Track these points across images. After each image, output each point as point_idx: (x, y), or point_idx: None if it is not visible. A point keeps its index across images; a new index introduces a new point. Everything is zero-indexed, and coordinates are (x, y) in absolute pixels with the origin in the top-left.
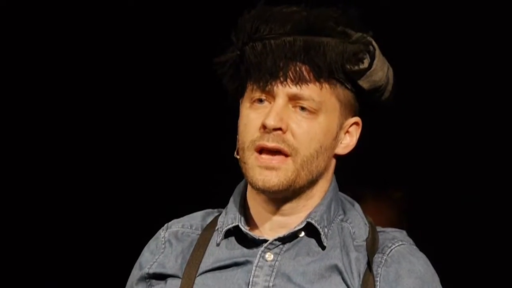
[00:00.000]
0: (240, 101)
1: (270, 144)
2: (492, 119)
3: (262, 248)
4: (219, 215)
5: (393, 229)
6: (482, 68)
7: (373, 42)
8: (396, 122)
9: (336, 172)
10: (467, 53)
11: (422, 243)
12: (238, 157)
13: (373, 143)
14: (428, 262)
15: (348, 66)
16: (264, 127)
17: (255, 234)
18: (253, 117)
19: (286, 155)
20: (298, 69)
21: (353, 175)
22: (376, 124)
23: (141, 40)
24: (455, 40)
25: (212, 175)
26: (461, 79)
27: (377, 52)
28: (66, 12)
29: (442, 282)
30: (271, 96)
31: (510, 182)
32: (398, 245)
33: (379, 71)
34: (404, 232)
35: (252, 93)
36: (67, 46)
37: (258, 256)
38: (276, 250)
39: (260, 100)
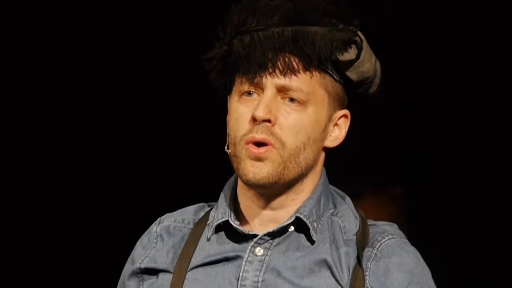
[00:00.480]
0: (228, 98)
1: (259, 136)
2: (491, 117)
3: (252, 243)
4: (211, 209)
5: (384, 223)
6: (482, 67)
7: (359, 33)
8: (396, 119)
9: (335, 169)
10: (467, 52)
11: (422, 241)
12: (228, 151)
13: (372, 140)
14: (419, 256)
15: (337, 55)
16: (254, 119)
17: (245, 229)
18: (242, 111)
19: (272, 147)
20: (287, 59)
21: (353, 172)
22: (376, 121)
23: (138, 39)
24: (456, 40)
25: (205, 168)
26: (461, 78)
27: (364, 43)
28: (66, 12)
29: (442, 278)
30: (260, 88)
31: (509, 179)
32: (388, 239)
33: (366, 62)
34: (395, 226)
35: (240, 86)
36: (67, 46)
37: (248, 251)
38: (266, 245)
39: (249, 93)
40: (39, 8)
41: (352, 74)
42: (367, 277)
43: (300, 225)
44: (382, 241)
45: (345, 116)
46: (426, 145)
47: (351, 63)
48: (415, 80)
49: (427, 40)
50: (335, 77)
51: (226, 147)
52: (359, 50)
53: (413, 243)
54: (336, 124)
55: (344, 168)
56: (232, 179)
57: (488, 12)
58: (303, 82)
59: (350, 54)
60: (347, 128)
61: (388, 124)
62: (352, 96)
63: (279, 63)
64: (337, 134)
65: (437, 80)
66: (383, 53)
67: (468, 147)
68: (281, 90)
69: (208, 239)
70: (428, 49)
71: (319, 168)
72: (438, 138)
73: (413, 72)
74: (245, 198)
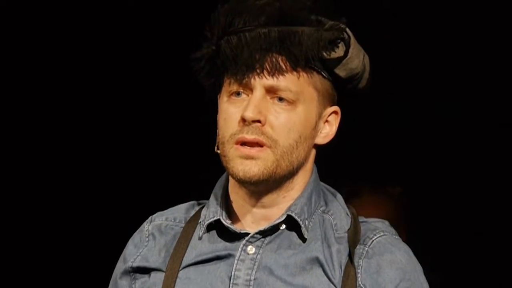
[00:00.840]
0: (218, 97)
1: (250, 136)
2: (490, 116)
3: (243, 242)
4: (201, 207)
5: (376, 220)
6: (481, 66)
7: (347, 30)
8: (395, 118)
9: (335, 168)
10: (467, 52)
11: (421, 239)
12: (218, 151)
13: (372, 139)
14: (411, 253)
15: (324, 54)
16: (243, 120)
17: (237, 227)
18: (232, 111)
19: (267, 146)
20: (274, 60)
21: (352, 171)
22: (375, 120)
23: (136, 42)
24: (456, 39)
25: (196, 167)
26: (461, 77)
27: (352, 39)
28: (66, 12)
29: (440, 277)
30: (249, 88)
31: (507, 178)
32: (380, 235)
33: (355, 59)
34: (387, 223)
35: (229, 86)
36: (66, 46)
37: (239, 249)
38: (258, 243)
39: (238, 93)
40: (39, 8)
41: (341, 71)
42: (359, 275)
43: (291, 223)
44: (373, 238)
45: (335, 112)
46: (425, 144)
47: (339, 60)
48: (414, 79)
49: (428, 40)
50: (324, 74)
51: (216, 148)
52: (347, 47)
53: (412, 242)
54: (326, 121)
55: (343, 167)
56: (223, 177)
57: (487, 9)
58: (291, 81)
59: (338, 52)
60: (337, 125)
61: (387, 123)
62: (341, 92)
63: (266, 64)
64: (327, 131)
65: (437, 80)
66: (384, 52)
67: (467, 146)
68: (270, 90)
69: (200, 238)
70: (428, 49)
71: (309, 165)
72: (437, 137)
73: (412, 71)
74: (237, 197)
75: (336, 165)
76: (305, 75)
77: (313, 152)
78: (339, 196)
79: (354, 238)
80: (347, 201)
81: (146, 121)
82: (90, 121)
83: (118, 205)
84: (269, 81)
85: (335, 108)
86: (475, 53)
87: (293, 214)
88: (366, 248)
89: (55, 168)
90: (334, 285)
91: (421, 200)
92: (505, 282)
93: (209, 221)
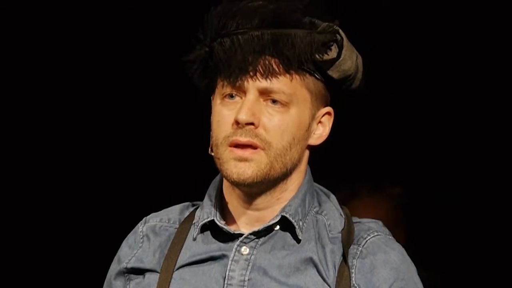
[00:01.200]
0: (212, 98)
1: (243, 139)
2: (489, 116)
3: (237, 242)
4: (196, 209)
5: (369, 220)
6: (481, 66)
7: (340, 31)
8: (395, 118)
9: (335, 168)
10: (467, 52)
11: (420, 240)
12: (212, 154)
13: (371, 139)
14: (404, 253)
15: (317, 56)
16: (236, 122)
17: (231, 228)
18: (225, 113)
19: (260, 149)
20: (267, 62)
21: (352, 172)
22: (374, 121)
23: (138, 40)
24: (455, 39)
25: (192, 167)
26: (460, 77)
27: (345, 41)
28: (65, 13)
29: (439, 277)
30: (242, 91)
31: (507, 178)
32: (374, 236)
33: (348, 60)
34: (380, 223)
35: (222, 89)
36: (65, 47)
37: (233, 250)
38: (252, 244)
39: (231, 96)
40: (39, 8)
41: (334, 73)
42: (353, 275)
43: (285, 224)
44: (367, 238)
45: (328, 113)
46: (425, 144)
47: (332, 62)
48: (414, 79)
49: (428, 40)
50: (317, 76)
51: (209, 149)
52: (340, 49)
53: (411, 242)
54: (319, 122)
55: (342, 168)
56: (217, 178)
57: (487, 9)
58: (284, 84)
59: (330, 54)
60: (330, 125)
61: (387, 123)
62: (334, 93)
63: (259, 66)
64: (321, 132)
65: (437, 80)
66: (384, 52)
67: (467, 146)
68: (263, 93)
69: (194, 239)
70: (428, 49)
71: (303, 166)
72: (437, 137)
73: (412, 71)
74: (231, 198)
75: (335, 166)
76: (298, 77)
77: (307, 153)
78: (332, 196)
79: (347, 238)
80: (346, 201)
81: (142, 122)
82: (88, 122)
83: (112, 206)
84: (262, 83)
85: (328, 109)
86: (475, 53)
87: (287, 215)
88: (360, 248)
89: (54, 169)
90: (328, 285)
91: (420, 200)
92: (505, 283)
93: (203, 222)
